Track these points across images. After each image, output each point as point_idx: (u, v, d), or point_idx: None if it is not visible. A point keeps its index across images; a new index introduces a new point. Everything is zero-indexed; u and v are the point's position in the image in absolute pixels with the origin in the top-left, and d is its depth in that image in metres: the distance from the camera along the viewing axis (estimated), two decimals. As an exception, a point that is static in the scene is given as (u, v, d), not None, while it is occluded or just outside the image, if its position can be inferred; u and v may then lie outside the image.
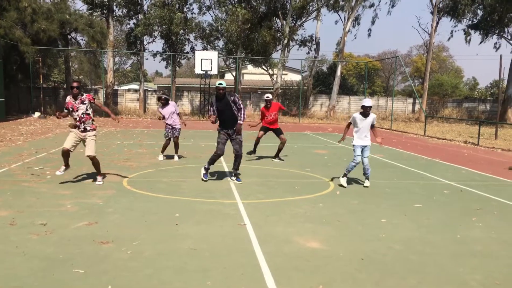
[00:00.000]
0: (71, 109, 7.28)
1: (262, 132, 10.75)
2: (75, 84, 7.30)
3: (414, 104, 35.34)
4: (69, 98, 7.32)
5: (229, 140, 7.96)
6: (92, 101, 7.36)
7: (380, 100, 36.68)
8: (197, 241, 4.76)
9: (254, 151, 10.88)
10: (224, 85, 7.73)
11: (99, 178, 7.59)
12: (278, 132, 10.73)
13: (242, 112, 7.79)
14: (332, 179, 8.51)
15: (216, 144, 7.95)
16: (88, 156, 7.34)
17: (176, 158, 10.44)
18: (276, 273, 3.97)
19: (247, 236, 4.98)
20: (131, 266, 4.02)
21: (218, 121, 7.89)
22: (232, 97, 7.77)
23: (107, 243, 4.59)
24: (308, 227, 5.41)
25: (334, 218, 5.86)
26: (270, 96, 10.64)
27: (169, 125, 10.27)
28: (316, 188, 7.75)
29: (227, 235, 5.00)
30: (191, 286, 3.68)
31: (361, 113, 7.84)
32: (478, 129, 17.63)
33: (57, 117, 7.41)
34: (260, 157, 11.21)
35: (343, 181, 7.91)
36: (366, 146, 7.84)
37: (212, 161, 8.03)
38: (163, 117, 10.26)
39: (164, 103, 10.27)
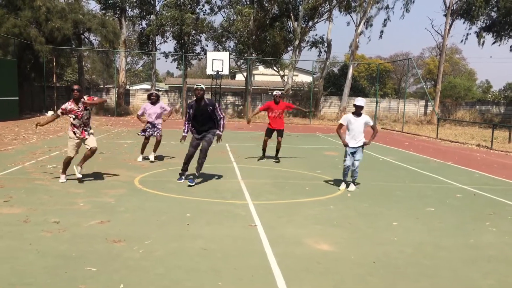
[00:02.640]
0: (73, 116, 7.16)
1: (267, 138, 10.62)
2: (76, 87, 7.09)
3: (426, 106, 35.05)
4: (71, 105, 7.11)
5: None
6: (91, 102, 7.24)
7: (391, 102, 36.47)
8: (208, 241, 4.77)
9: (263, 156, 10.87)
10: (202, 86, 7.54)
11: (79, 168, 7.45)
12: (280, 133, 10.63)
13: (222, 122, 7.67)
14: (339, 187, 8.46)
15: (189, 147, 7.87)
16: (92, 147, 7.35)
17: (152, 158, 10.07)
18: (287, 275, 3.97)
19: (258, 237, 4.98)
20: (142, 265, 4.04)
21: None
22: (211, 107, 7.55)
23: (119, 242, 4.63)
24: (319, 229, 5.39)
25: (345, 220, 5.84)
26: (279, 92, 10.68)
27: (150, 123, 9.97)
28: (327, 190, 7.72)
29: (238, 236, 5.01)
30: (202, 286, 3.69)
31: (353, 113, 7.63)
32: (492, 132, 17.44)
33: (36, 127, 7.51)
34: (270, 158, 11.20)
35: (342, 186, 7.82)
36: (358, 148, 7.62)
37: (185, 165, 7.98)
38: (145, 113, 10.01)
39: (155, 100, 9.87)
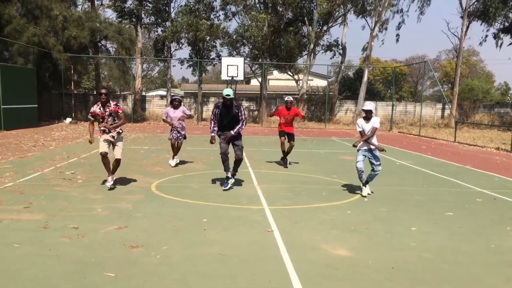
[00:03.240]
0: (100, 120, 7.36)
1: (283, 138, 10.85)
2: (103, 91, 7.24)
3: (443, 109, 34.64)
4: (96, 108, 7.28)
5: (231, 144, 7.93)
6: (118, 113, 7.41)
7: (408, 105, 36.14)
8: (225, 247, 4.78)
9: (285, 159, 10.88)
10: (232, 95, 7.61)
11: (109, 178, 7.58)
12: (291, 138, 10.85)
13: (241, 124, 7.73)
14: (356, 191, 8.38)
15: (219, 145, 7.90)
16: (115, 158, 7.51)
17: (175, 161, 10.32)
18: (304, 280, 3.94)
19: (275, 243, 4.96)
20: (160, 271, 4.06)
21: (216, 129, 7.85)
22: (236, 109, 7.71)
23: (137, 247, 4.66)
24: (336, 234, 5.35)
25: (362, 225, 5.78)
26: (291, 98, 10.85)
27: (175, 127, 10.23)
28: (344, 194, 7.67)
29: (255, 241, 5.00)
30: (219, 291, 3.70)
31: (364, 118, 7.51)
32: (511, 135, 17.10)
33: (91, 143, 7.54)
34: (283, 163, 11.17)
35: (364, 191, 7.62)
36: (371, 150, 7.45)
37: (224, 165, 7.89)
38: (168, 117, 10.29)
39: (177, 105, 10.25)
